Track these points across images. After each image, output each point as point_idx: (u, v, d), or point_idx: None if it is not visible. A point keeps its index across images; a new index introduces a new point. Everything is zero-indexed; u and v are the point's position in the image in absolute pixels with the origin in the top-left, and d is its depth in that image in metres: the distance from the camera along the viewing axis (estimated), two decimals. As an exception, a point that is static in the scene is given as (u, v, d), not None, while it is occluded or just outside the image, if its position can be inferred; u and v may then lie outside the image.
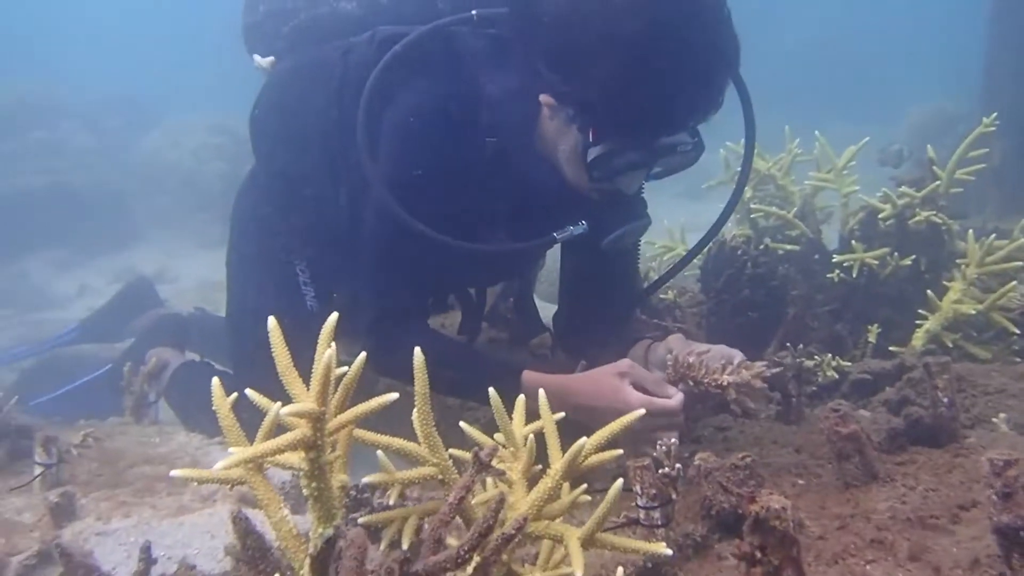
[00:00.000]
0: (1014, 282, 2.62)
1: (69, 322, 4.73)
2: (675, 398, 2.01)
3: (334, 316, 1.24)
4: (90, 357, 3.71)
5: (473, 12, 2.21)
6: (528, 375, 2.11)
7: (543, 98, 2.12)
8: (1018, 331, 2.59)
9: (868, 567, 1.49)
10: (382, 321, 2.26)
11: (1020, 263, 2.68)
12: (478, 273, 2.61)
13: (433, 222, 2.12)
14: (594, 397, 2.02)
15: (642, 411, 1.54)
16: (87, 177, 8.74)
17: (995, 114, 3.02)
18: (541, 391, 1.55)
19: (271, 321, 1.21)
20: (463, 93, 2.21)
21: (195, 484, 2.09)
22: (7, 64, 12.37)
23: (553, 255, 2.73)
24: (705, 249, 2.73)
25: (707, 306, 2.93)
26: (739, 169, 3.64)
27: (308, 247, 2.72)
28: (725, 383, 2.05)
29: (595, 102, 2.00)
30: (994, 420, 2.07)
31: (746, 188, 3.66)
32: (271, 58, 2.73)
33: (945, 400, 1.95)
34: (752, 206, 3.48)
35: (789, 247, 3.32)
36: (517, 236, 2.32)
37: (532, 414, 2.07)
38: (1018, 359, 2.59)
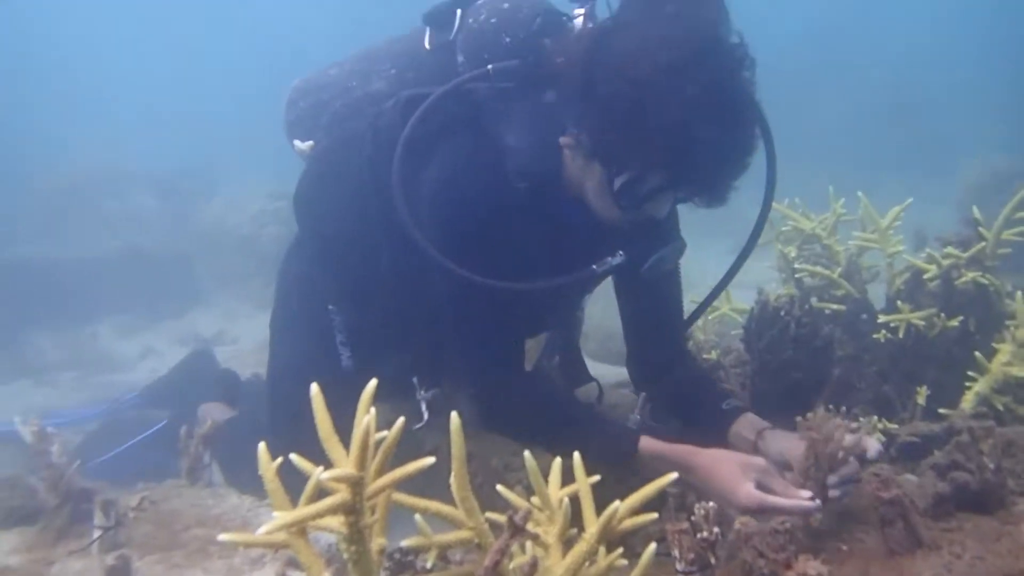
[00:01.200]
0: (1065, 344, 2.57)
1: (132, 384, 4.90)
2: (797, 502, 1.88)
3: (374, 382, 1.30)
4: (153, 419, 3.83)
5: (489, 67, 2.33)
6: (647, 441, 2.16)
7: (563, 140, 2.23)
8: (1071, 394, 2.53)
9: (911, 637, 1.47)
10: (487, 379, 2.34)
11: (1071, 324, 2.63)
12: (529, 319, 2.67)
13: (486, 273, 2.21)
14: (710, 478, 2.01)
15: None
16: (153, 242, 9.11)
17: (1041, 174, 2.99)
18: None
19: (314, 387, 1.27)
20: (488, 147, 2.31)
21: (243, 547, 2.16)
22: (73, 142, 13.03)
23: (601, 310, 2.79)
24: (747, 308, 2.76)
25: (751, 367, 2.92)
26: (784, 229, 3.70)
27: (347, 307, 2.79)
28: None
29: (616, 139, 2.08)
30: (1046, 486, 2.02)
31: (791, 247, 3.70)
32: (310, 142, 2.85)
33: (991, 465, 1.92)
34: (796, 265, 3.48)
35: (835, 307, 3.30)
36: (553, 276, 2.38)
37: (647, 481, 2.12)
38: (1072, 423, 2.53)
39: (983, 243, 2.96)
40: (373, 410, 1.27)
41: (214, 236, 9.43)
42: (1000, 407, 2.60)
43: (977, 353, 2.68)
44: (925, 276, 2.99)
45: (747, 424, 2.30)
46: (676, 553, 1.68)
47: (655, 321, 2.67)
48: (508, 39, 2.42)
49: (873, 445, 2.06)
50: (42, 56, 21.46)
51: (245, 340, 6.86)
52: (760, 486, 1.94)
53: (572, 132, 2.20)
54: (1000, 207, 3.07)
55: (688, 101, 1.96)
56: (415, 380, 2.72)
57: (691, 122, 1.98)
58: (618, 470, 2.11)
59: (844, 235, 3.58)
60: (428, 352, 2.79)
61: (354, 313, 2.80)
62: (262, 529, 1.17)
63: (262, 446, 1.33)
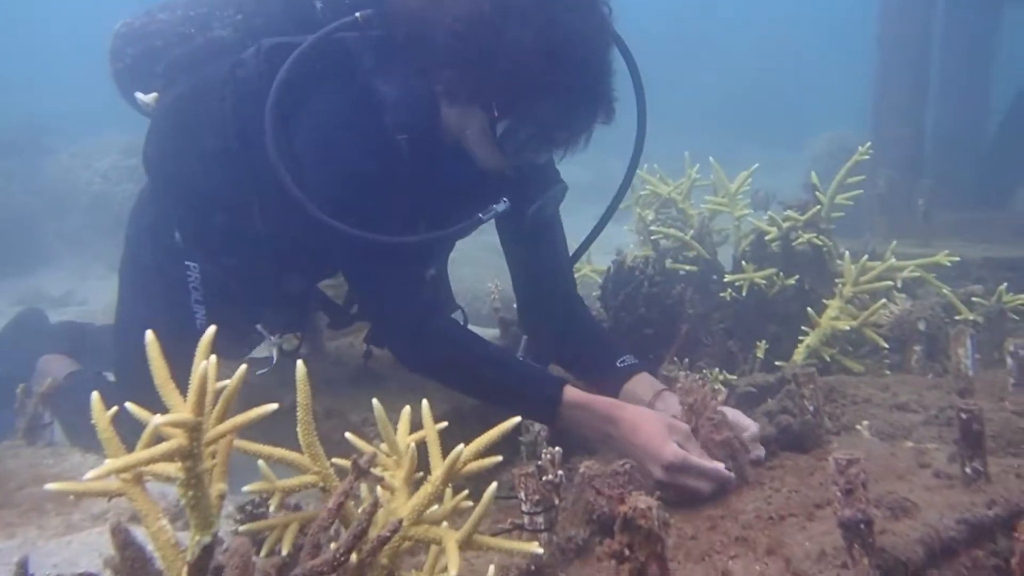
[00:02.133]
0: (884, 300, 2.81)
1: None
2: (714, 467, 1.92)
3: (212, 329, 1.28)
4: None
5: (357, 15, 2.27)
6: (571, 390, 2.14)
7: (439, 88, 2.21)
8: (887, 346, 2.77)
9: (730, 562, 1.60)
10: (404, 325, 2.30)
11: (890, 282, 2.87)
12: (417, 261, 2.61)
13: (376, 226, 2.18)
14: (634, 433, 2.00)
15: None
16: (-7, 199, 8.49)
17: (868, 144, 3.24)
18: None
19: (149, 334, 1.24)
20: (363, 99, 2.26)
21: (87, 503, 2.09)
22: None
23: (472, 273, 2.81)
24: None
25: (607, 324, 3.04)
26: (642, 193, 3.84)
27: (209, 264, 2.69)
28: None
29: (496, 84, 2.11)
30: (858, 427, 2.22)
31: (648, 211, 3.85)
32: (154, 94, 2.71)
33: (811, 408, 2.09)
34: (652, 228, 3.63)
35: (688, 268, 3.47)
36: (440, 226, 2.38)
37: (574, 430, 2.13)
38: (888, 372, 2.78)
39: (819, 207, 3.17)
40: (213, 357, 1.26)
41: (62, 194, 8.87)
42: (828, 358, 2.82)
43: (809, 309, 2.88)
44: (767, 238, 3.18)
45: (644, 384, 2.32)
46: (522, 495, 1.75)
47: (543, 269, 2.67)
48: None
49: (753, 425, 2.11)
50: None
51: (95, 301, 6.53)
52: (681, 447, 1.96)
53: (445, 79, 2.18)
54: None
55: (551, 36, 2.02)
56: (259, 327, 2.66)
57: (559, 54, 2.04)
58: (538, 415, 2.12)
59: (699, 200, 3.76)
60: (291, 303, 2.76)
61: (216, 269, 2.70)
62: (90, 474, 1.14)
63: (95, 395, 1.30)
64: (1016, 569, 0.99)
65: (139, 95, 2.71)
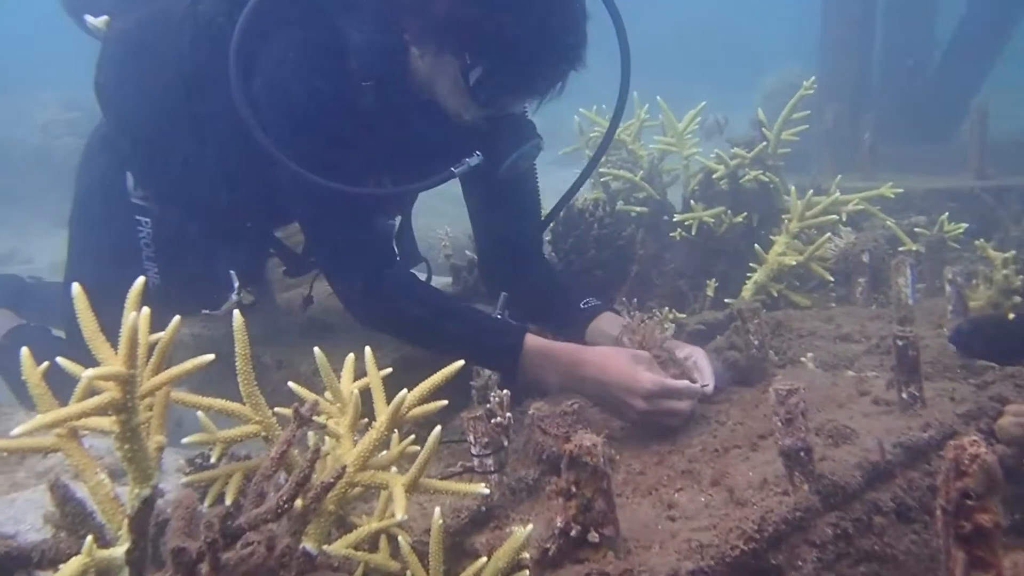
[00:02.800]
0: (828, 234, 2.85)
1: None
2: (688, 385, 1.96)
3: (141, 280, 1.25)
4: None
5: None
6: (532, 338, 2.10)
7: (409, 36, 2.14)
8: (833, 279, 2.82)
9: (676, 494, 1.63)
10: (360, 277, 2.22)
11: (835, 216, 2.91)
12: (380, 211, 2.55)
13: (337, 175, 2.10)
14: (604, 371, 1.98)
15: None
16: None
17: (812, 79, 3.24)
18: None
19: (75, 287, 1.21)
20: (328, 42, 2.18)
21: (31, 461, 2.06)
22: None
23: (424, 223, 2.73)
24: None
25: (558, 267, 3.04)
26: (592, 135, 3.82)
27: (160, 213, 2.62)
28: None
29: (466, 31, 2.04)
30: (802, 360, 2.26)
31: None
32: (105, 17, 2.61)
33: (756, 343, 2.13)
34: (602, 170, 3.62)
35: (639, 209, 3.48)
36: (407, 177, 2.33)
37: (531, 381, 2.10)
38: (833, 305, 2.83)
39: (765, 143, 3.18)
40: (147, 309, 1.23)
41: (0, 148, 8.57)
42: (775, 293, 2.86)
43: (756, 245, 2.91)
44: (715, 176, 3.20)
45: (608, 321, 2.32)
46: (471, 438, 1.76)
47: (511, 228, 2.60)
48: None
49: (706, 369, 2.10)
50: None
51: (40, 259, 6.38)
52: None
53: (415, 25, 2.11)
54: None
55: None
56: (232, 272, 2.59)
57: (540, 7, 2.00)
58: (500, 366, 2.08)
59: (649, 141, 3.75)
60: (246, 251, 2.70)
61: (168, 220, 2.62)
62: (17, 429, 1.12)
63: (24, 351, 1.27)
64: (941, 486, 1.02)
65: (88, 18, 2.61)
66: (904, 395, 1.73)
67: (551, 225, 3.19)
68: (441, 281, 3.39)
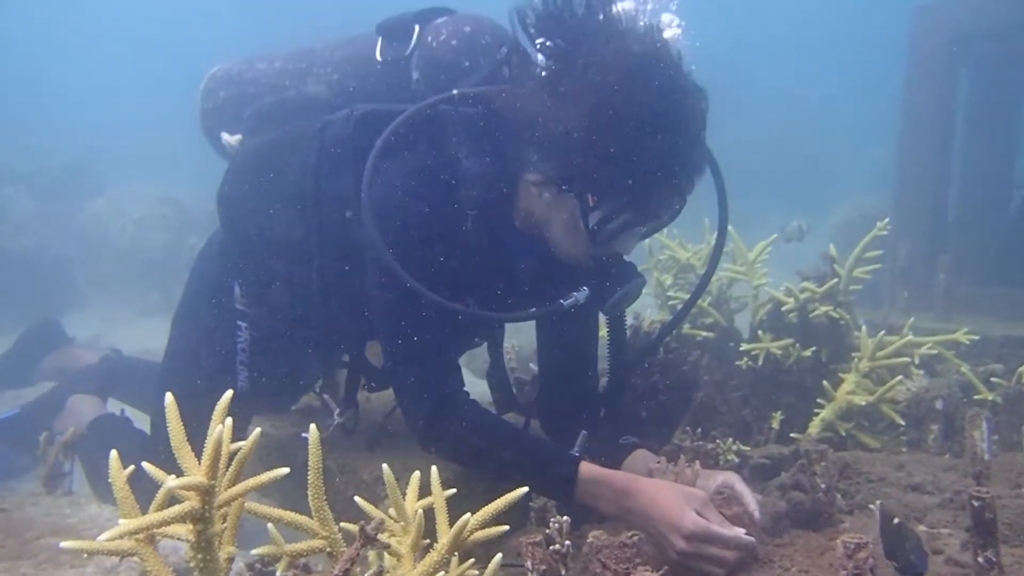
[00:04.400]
0: (900, 376, 2.79)
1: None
2: (736, 536, 1.90)
3: (229, 393, 1.32)
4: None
5: (455, 91, 2.28)
6: (587, 466, 2.13)
7: (531, 176, 2.21)
8: (903, 423, 2.75)
9: (738, 643, 1.58)
10: (427, 401, 2.26)
11: (907, 359, 2.86)
12: (465, 337, 2.65)
13: (433, 290, 2.16)
14: (652, 505, 1.98)
15: None
16: (28, 242, 8.70)
17: (887, 220, 3.25)
18: None
19: (168, 397, 1.29)
20: (441, 167, 2.28)
21: (100, 557, 2.11)
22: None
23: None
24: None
25: (619, 390, 3.04)
26: (661, 257, 3.88)
27: (260, 321, 2.75)
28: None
29: (595, 175, 2.10)
30: (871, 507, 2.19)
31: (667, 276, 3.89)
32: (238, 136, 2.78)
33: (823, 486, 2.08)
34: (670, 293, 3.66)
35: (705, 334, 3.48)
36: (494, 306, 2.39)
37: (592, 505, 2.13)
38: (905, 449, 2.75)
39: (836, 279, 3.18)
40: (229, 420, 1.29)
41: (95, 239, 9.09)
42: (843, 433, 2.80)
43: (824, 382, 2.88)
44: (784, 308, 3.19)
45: (640, 459, 2.33)
46: (528, 564, 1.75)
47: (576, 358, 2.63)
48: (468, 63, 2.39)
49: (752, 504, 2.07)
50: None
51: (122, 346, 6.61)
52: (700, 515, 1.93)
53: (541, 166, 2.18)
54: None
55: (665, 133, 2.02)
56: (326, 397, 2.69)
57: (670, 152, 2.05)
58: (555, 495, 2.12)
59: (717, 267, 3.78)
60: (330, 364, 2.83)
61: (265, 331, 2.76)
62: (103, 536, 1.17)
63: (113, 454, 1.33)
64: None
65: (225, 136, 2.79)
66: (980, 559, 1.66)
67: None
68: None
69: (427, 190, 2.26)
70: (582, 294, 2.25)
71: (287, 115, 2.66)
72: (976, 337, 2.99)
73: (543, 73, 2.15)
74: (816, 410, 2.89)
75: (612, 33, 2.08)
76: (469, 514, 1.47)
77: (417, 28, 2.50)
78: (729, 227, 3.60)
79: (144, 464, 1.33)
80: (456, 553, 1.50)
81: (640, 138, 2.04)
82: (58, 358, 3.84)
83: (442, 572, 1.46)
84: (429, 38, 2.46)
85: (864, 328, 2.98)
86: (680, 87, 2.07)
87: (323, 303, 2.53)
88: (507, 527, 1.56)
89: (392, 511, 1.56)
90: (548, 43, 2.15)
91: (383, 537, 1.51)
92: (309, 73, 2.68)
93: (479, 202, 2.29)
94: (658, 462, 2.28)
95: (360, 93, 2.57)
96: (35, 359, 3.83)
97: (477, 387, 2.82)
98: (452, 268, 2.28)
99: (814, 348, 3.12)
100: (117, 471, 1.32)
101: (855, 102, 20.00)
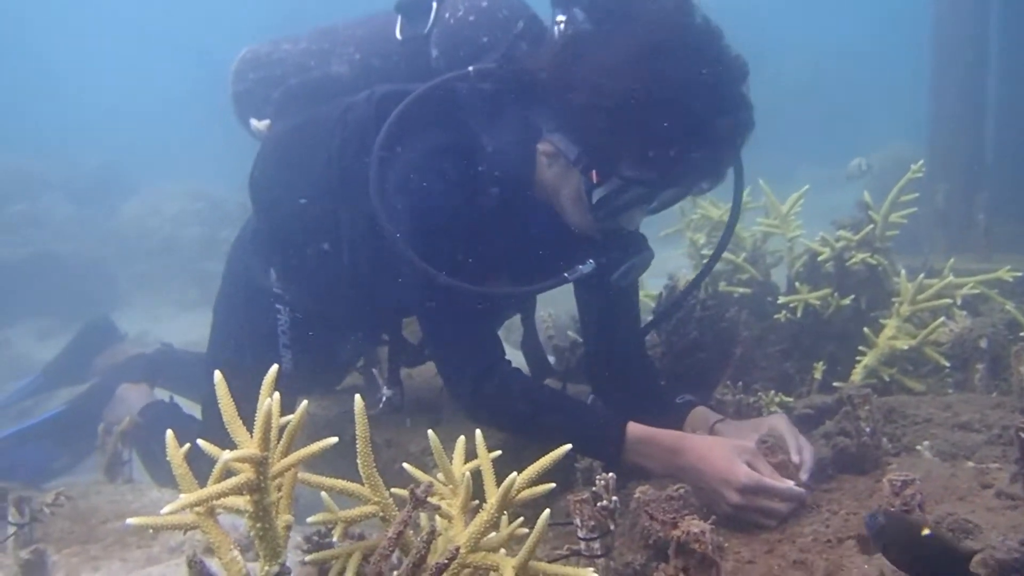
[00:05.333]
0: (943, 318, 2.76)
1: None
2: (788, 487, 1.93)
3: (275, 367, 1.36)
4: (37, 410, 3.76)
5: (470, 68, 2.28)
6: (634, 426, 2.16)
7: (541, 147, 2.23)
8: (948, 364, 2.73)
9: (788, 586, 1.60)
10: (469, 374, 2.30)
11: (949, 300, 2.82)
12: (495, 312, 2.67)
13: (455, 271, 2.20)
14: (703, 460, 2.01)
15: None
16: (69, 246, 8.92)
17: (921, 162, 3.19)
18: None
19: (217, 375, 1.33)
20: (461, 146, 2.30)
21: (164, 536, 2.19)
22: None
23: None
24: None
25: (660, 348, 3.05)
26: (693, 217, 3.86)
27: (297, 304, 2.80)
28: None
29: (600, 149, 2.10)
30: (918, 448, 2.19)
31: (700, 235, 3.87)
32: (267, 121, 2.82)
33: (867, 430, 2.08)
34: (704, 252, 3.64)
35: (742, 290, 3.47)
36: (523, 279, 2.42)
37: (641, 464, 2.14)
38: (951, 391, 2.72)
39: (872, 226, 3.14)
40: (276, 394, 1.33)
41: (133, 238, 9.30)
42: (887, 378, 2.78)
43: (866, 329, 2.85)
44: (819, 258, 3.17)
45: (700, 417, 2.35)
46: (578, 521, 1.78)
47: (616, 324, 2.66)
48: (486, 38, 2.40)
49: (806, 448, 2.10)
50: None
51: (169, 341, 6.78)
52: (751, 468, 1.96)
53: (551, 138, 2.19)
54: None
55: (679, 115, 1.99)
56: (374, 371, 2.74)
57: (684, 132, 2.01)
58: (603, 456, 2.14)
59: (751, 222, 3.75)
60: (369, 341, 2.88)
61: (302, 312, 2.81)
62: (166, 509, 1.21)
63: (169, 433, 1.38)
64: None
65: (253, 121, 2.83)
66: (1030, 488, 1.66)
67: (653, 307, 3.24)
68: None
69: (445, 170, 2.27)
70: (587, 267, 2.26)
71: (313, 95, 2.69)
72: (1019, 274, 2.94)
73: (560, 44, 2.15)
74: (858, 358, 2.87)
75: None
76: (515, 473, 1.50)
77: (435, 5, 2.50)
78: (760, 181, 3.61)
79: (199, 441, 1.38)
80: (506, 513, 1.53)
81: (651, 119, 2.01)
82: (110, 355, 3.94)
83: (493, 531, 1.50)
84: (447, 14, 2.47)
85: (903, 273, 2.94)
86: (704, 65, 2.00)
87: (356, 284, 2.57)
88: (553, 485, 1.58)
89: (440, 476, 1.59)
90: (575, 9, 2.15)
91: (433, 500, 1.55)
92: (332, 53, 2.70)
93: (499, 179, 2.30)
94: (721, 419, 2.31)
95: (383, 72, 2.58)
96: (89, 356, 3.94)
97: (514, 358, 2.86)
98: (476, 247, 2.31)
99: (853, 296, 3.09)
100: (174, 449, 1.36)
101: (883, 46, 19.55)
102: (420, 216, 2.26)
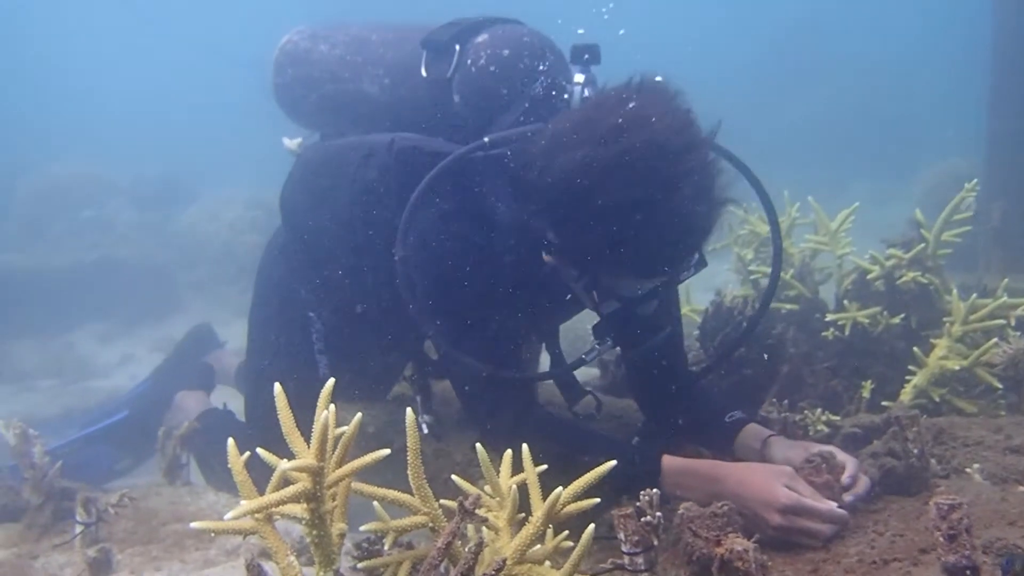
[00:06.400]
0: (995, 339, 2.72)
1: (111, 390, 4.93)
2: (829, 508, 1.94)
3: (331, 381, 1.42)
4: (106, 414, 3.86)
5: (486, 139, 2.29)
6: (669, 459, 2.18)
7: (546, 257, 2.22)
8: (1001, 386, 2.69)
9: (831, 607, 1.61)
10: (507, 424, 2.34)
11: (1002, 320, 2.78)
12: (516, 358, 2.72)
13: (472, 334, 2.29)
14: (742, 484, 2.02)
15: None
16: (131, 251, 9.22)
17: (975, 181, 3.16)
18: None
19: (277, 387, 1.40)
20: (476, 212, 2.35)
21: (221, 539, 2.27)
22: (59, 144, 13.21)
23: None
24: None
25: (705, 364, 3.05)
26: (741, 232, 3.86)
27: (328, 316, 2.88)
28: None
29: (599, 263, 2.12)
30: (968, 471, 2.17)
31: (747, 250, 3.86)
32: (299, 140, 2.92)
33: (916, 451, 2.07)
34: (751, 268, 3.63)
35: (789, 306, 3.45)
36: (544, 316, 2.49)
37: (680, 495, 2.14)
38: (1003, 413, 2.68)
39: (923, 244, 3.11)
40: (332, 406, 1.39)
41: (191, 244, 9.58)
42: (937, 399, 2.75)
43: (915, 348, 2.83)
44: (869, 276, 3.14)
45: (752, 434, 2.36)
46: (621, 536, 1.80)
47: (659, 366, 2.61)
48: (505, 91, 2.40)
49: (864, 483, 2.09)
50: (37, 56, 21.61)
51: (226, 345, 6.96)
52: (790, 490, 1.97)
53: (552, 241, 2.19)
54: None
55: (647, 224, 1.97)
56: (418, 400, 2.79)
57: (655, 238, 2.01)
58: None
59: (800, 238, 3.74)
60: (397, 358, 2.95)
61: (334, 322, 2.88)
62: (228, 515, 1.28)
63: (231, 442, 1.45)
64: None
65: (285, 140, 2.93)
66: (1080, 515, 1.64)
67: (699, 322, 3.24)
68: (591, 372, 3.47)
69: (459, 238, 2.33)
70: (605, 346, 2.30)
71: (346, 108, 2.76)
72: (1075, 296, 2.88)
73: (553, 128, 2.12)
74: (908, 377, 2.84)
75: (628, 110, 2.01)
76: (561, 487, 1.54)
77: (458, 48, 2.50)
78: (810, 198, 3.59)
79: (259, 450, 1.45)
80: (551, 526, 1.57)
81: (619, 222, 1.99)
82: (211, 362, 4.06)
83: (538, 544, 1.54)
84: (468, 61, 2.47)
85: (955, 292, 2.91)
86: (675, 178, 1.96)
87: (376, 302, 2.63)
88: (598, 500, 1.62)
89: (487, 488, 1.64)
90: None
91: (480, 512, 1.59)
92: (365, 70, 2.74)
93: (513, 248, 2.34)
94: (773, 434, 2.31)
95: (411, 103, 2.62)
96: (192, 362, 4.07)
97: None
98: (492, 309, 2.36)
99: (903, 315, 3.06)
100: (235, 457, 1.43)
101: (942, 62, 19.14)
102: (433, 279, 2.34)
